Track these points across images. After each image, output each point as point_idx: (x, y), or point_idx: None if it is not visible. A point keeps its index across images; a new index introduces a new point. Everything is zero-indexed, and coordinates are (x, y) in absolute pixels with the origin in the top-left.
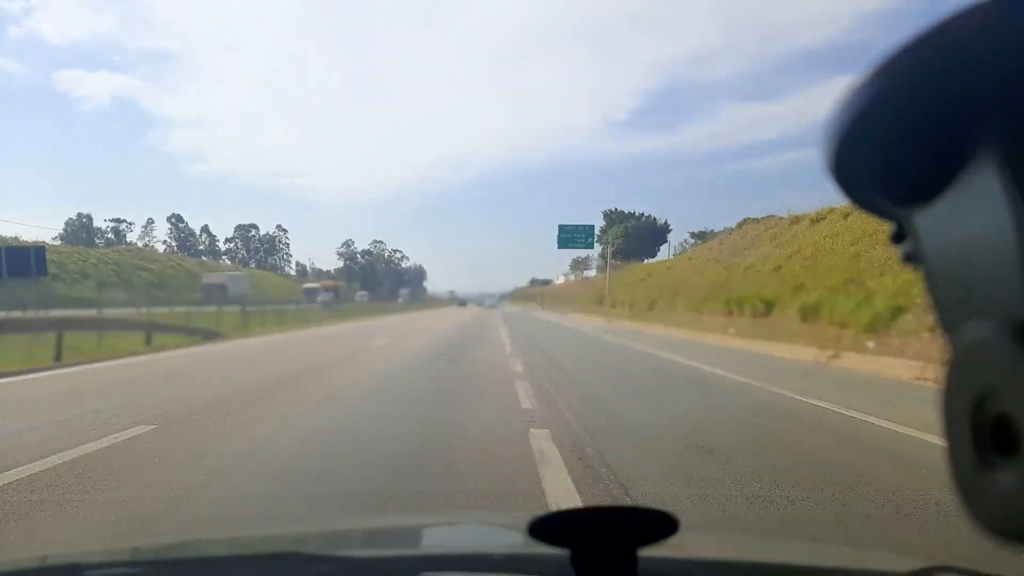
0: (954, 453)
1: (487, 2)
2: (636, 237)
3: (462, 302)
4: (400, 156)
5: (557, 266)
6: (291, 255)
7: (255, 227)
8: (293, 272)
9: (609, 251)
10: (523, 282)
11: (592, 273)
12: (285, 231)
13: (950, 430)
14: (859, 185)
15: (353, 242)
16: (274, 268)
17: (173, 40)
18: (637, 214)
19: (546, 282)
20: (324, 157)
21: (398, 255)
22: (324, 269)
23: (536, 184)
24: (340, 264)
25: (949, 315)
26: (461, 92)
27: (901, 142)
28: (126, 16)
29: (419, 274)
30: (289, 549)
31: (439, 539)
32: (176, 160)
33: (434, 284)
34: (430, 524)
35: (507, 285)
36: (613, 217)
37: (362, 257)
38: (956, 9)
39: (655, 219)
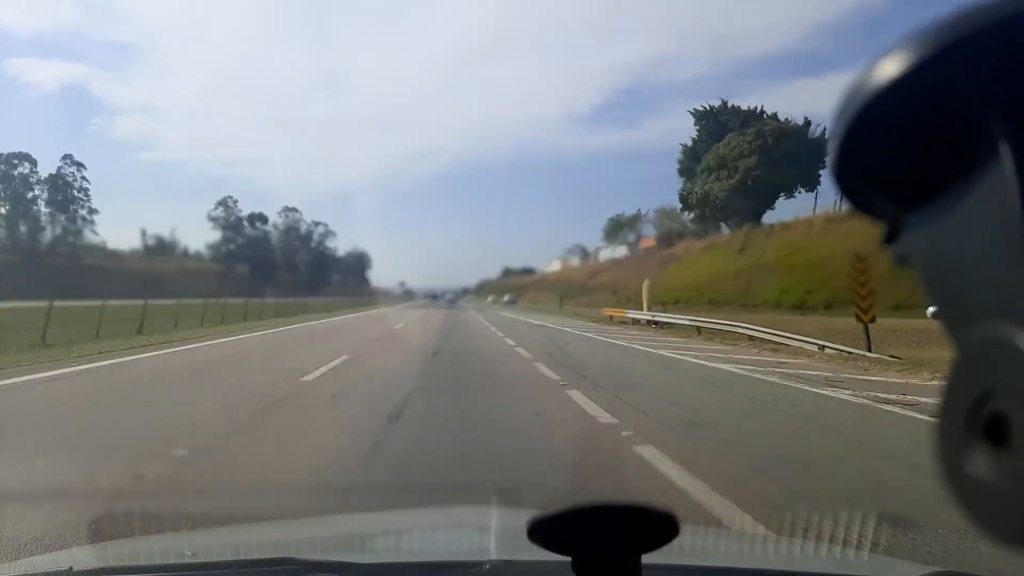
0: (946, 450)
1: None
2: (785, 157)
3: (433, 296)
4: (360, 149)
5: (542, 252)
6: (96, 210)
7: (28, 159)
8: (99, 238)
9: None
10: (492, 273)
11: (614, 252)
12: (81, 166)
13: (944, 427)
14: (859, 186)
15: (236, 201)
16: (75, 231)
17: (133, 29)
18: (768, 113)
19: (528, 271)
20: (282, 149)
21: (321, 229)
22: (192, 248)
23: (500, 177)
24: (218, 235)
25: (952, 316)
26: (423, 87)
27: (900, 143)
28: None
29: (360, 261)
30: (287, 554)
31: (440, 543)
32: (126, 147)
33: (383, 276)
34: (431, 526)
35: (471, 278)
36: (720, 118)
37: (251, 226)
38: (956, 10)
39: (808, 123)
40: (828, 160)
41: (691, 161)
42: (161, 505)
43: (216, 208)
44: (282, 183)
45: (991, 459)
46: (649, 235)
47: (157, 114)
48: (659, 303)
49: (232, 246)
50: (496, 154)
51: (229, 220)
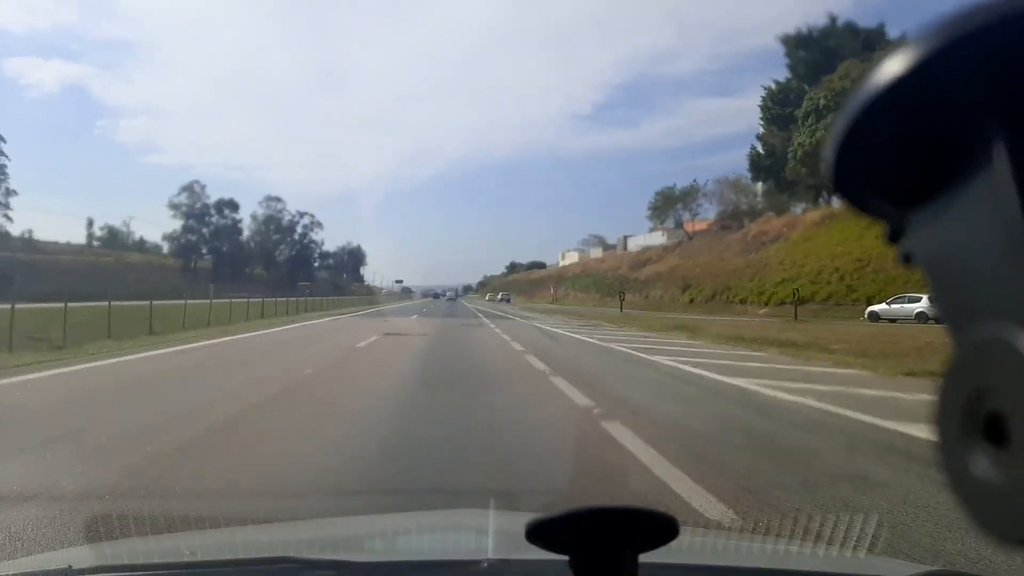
0: (946, 449)
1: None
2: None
3: (435, 295)
4: (361, 149)
5: (550, 245)
6: (15, 191)
7: None
8: (14, 225)
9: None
10: (496, 269)
11: (662, 238)
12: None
13: (941, 425)
14: (856, 185)
15: (203, 186)
16: None
17: (132, 29)
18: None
19: (538, 265)
20: (285, 151)
21: (306, 220)
22: (148, 240)
23: (501, 176)
24: (178, 224)
25: (953, 315)
26: (426, 87)
27: (899, 142)
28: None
29: (354, 257)
30: (284, 553)
31: (437, 543)
32: (128, 151)
33: (382, 273)
34: (428, 527)
35: (474, 275)
36: (826, 43)
37: (219, 214)
38: (956, 9)
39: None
40: (825, 161)
41: (781, 107)
42: (158, 506)
43: (180, 194)
44: (281, 184)
45: (991, 459)
46: (703, 214)
47: (161, 116)
48: (780, 302)
49: (193, 236)
50: (498, 154)
51: (194, 207)
